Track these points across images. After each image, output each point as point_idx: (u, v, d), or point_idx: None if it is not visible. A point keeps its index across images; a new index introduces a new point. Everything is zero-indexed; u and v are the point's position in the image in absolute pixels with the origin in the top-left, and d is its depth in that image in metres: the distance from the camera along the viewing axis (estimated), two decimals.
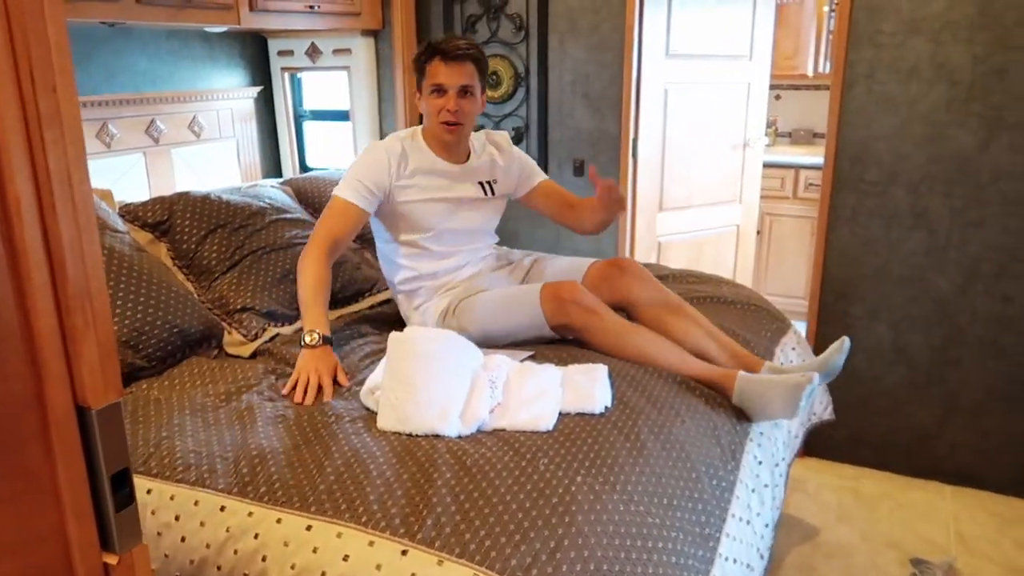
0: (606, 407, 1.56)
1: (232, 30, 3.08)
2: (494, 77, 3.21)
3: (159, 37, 2.90)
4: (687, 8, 3.04)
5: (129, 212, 2.16)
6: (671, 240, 3.29)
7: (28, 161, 0.64)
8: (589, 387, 1.59)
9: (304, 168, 3.54)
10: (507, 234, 3.33)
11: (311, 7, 2.89)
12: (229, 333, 2.01)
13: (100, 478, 0.73)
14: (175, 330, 1.86)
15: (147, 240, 2.13)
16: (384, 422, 1.49)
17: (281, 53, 3.35)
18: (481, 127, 3.28)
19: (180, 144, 3.02)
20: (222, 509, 1.30)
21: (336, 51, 3.28)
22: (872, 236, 2.72)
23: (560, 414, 1.54)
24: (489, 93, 3.24)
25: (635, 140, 3.06)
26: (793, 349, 2.21)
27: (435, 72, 2.01)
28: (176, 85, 3.01)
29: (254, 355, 1.97)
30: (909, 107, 2.57)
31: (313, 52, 3.30)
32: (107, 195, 2.18)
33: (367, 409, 1.59)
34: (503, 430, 1.49)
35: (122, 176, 2.79)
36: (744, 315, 2.21)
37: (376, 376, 1.61)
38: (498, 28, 3.16)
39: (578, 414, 1.54)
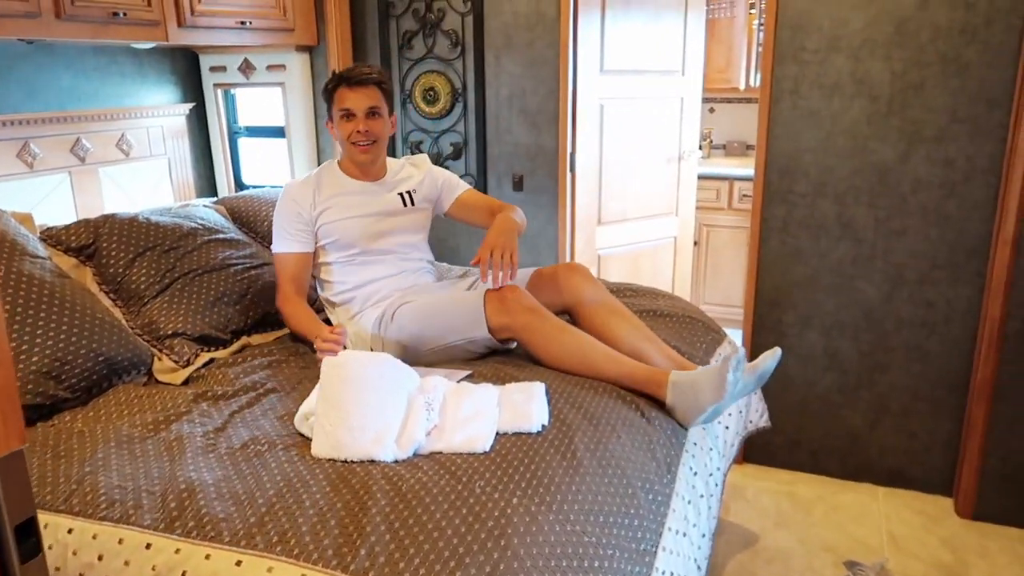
0: (543, 425, 1.57)
1: (161, 46, 3.01)
2: (431, 93, 3.21)
3: (85, 53, 2.82)
4: (620, 25, 3.09)
5: (51, 236, 2.08)
6: (611, 253, 3.33)
7: None
8: (526, 405, 1.60)
9: (240, 186, 3.48)
10: (447, 249, 3.33)
11: (243, 23, 2.84)
12: (159, 359, 1.95)
13: (3, 530, 0.70)
14: (100, 358, 1.80)
15: (71, 265, 2.06)
16: (318, 448, 1.47)
17: (213, 69, 3.29)
18: (420, 143, 3.28)
19: (108, 163, 2.93)
20: (148, 547, 1.26)
21: (270, 67, 3.24)
22: (802, 246, 2.80)
23: (497, 434, 1.54)
24: (427, 109, 3.24)
25: (572, 155, 3.09)
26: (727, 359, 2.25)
27: (342, 98, 2.14)
28: (103, 102, 2.92)
29: (187, 382, 1.92)
30: (833, 121, 2.65)
31: (247, 68, 3.25)
32: (27, 219, 2.10)
33: (301, 435, 1.56)
34: (440, 453, 1.49)
35: (45, 197, 2.69)
36: (680, 327, 2.25)
37: (311, 401, 1.58)
38: (434, 44, 3.16)
39: (515, 433, 1.54)
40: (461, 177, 3.23)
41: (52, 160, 2.71)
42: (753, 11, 4.68)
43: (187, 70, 3.28)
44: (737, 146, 4.72)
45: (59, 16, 2.23)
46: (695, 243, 4.20)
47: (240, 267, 2.25)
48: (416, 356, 1.99)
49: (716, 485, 1.93)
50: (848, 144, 2.65)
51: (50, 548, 1.30)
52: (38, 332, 1.71)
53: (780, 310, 2.89)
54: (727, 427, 2.15)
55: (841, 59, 2.59)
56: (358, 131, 2.14)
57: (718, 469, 1.97)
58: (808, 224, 2.77)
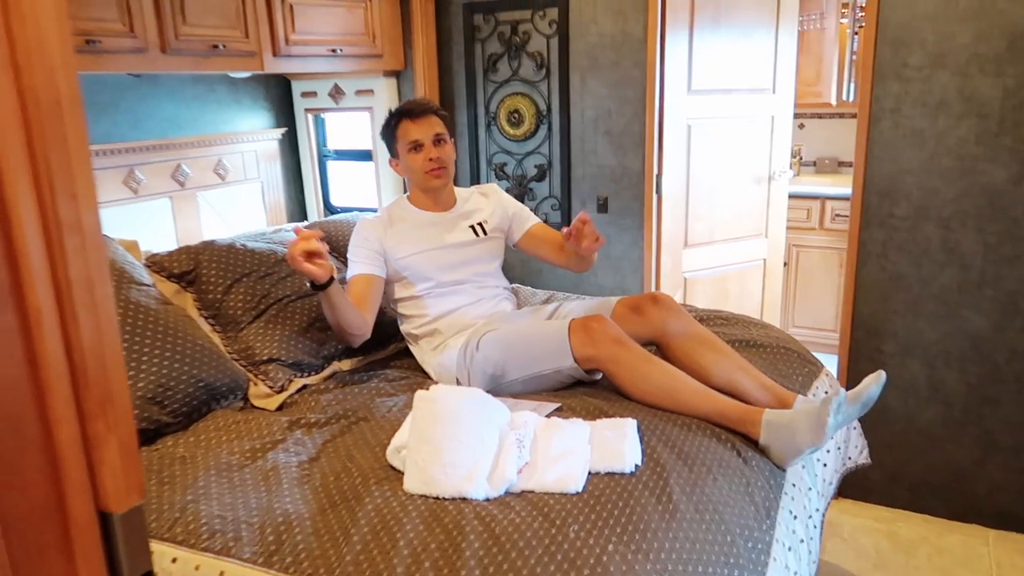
0: (636, 465, 1.52)
1: (256, 74, 3.11)
2: (516, 115, 3.21)
3: (185, 83, 2.94)
4: (708, 43, 3.03)
5: (155, 263, 2.17)
6: (697, 276, 3.25)
7: (49, 271, 0.63)
8: (618, 444, 1.56)
9: (328, 208, 3.55)
10: (530, 272, 3.32)
11: (334, 50, 2.91)
12: (255, 384, 2.00)
13: None
14: (200, 384, 1.85)
15: (173, 291, 2.13)
16: (410, 484, 1.46)
17: (305, 94, 3.38)
18: (504, 165, 3.28)
19: (206, 187, 3.04)
20: None
21: (359, 92, 3.31)
22: (902, 271, 2.67)
23: (589, 473, 1.51)
24: (511, 131, 3.24)
25: (659, 176, 3.03)
26: (825, 393, 2.16)
27: (407, 132, 2.21)
28: (201, 129, 3.04)
29: (280, 407, 1.96)
30: (937, 141, 2.52)
31: (336, 93, 3.33)
32: (133, 246, 2.19)
33: (393, 468, 1.56)
34: (531, 492, 1.46)
35: (149, 221, 2.81)
36: (774, 358, 2.16)
37: (403, 434, 1.58)
38: (519, 67, 3.16)
39: (607, 473, 1.50)
40: (545, 199, 3.24)
41: (155, 186, 2.82)
42: (845, 20, 4.52)
43: (280, 96, 3.38)
44: (828, 163, 4.55)
45: (164, 50, 2.33)
46: (784, 264, 4.06)
47: None
48: (502, 385, 1.97)
49: (815, 527, 1.84)
50: (954, 165, 2.51)
51: None
52: (143, 359, 1.78)
53: (879, 338, 2.75)
54: (825, 464, 2.05)
55: (947, 76, 2.46)
56: (429, 159, 2.20)
57: (817, 510, 1.88)
58: (909, 249, 2.64)
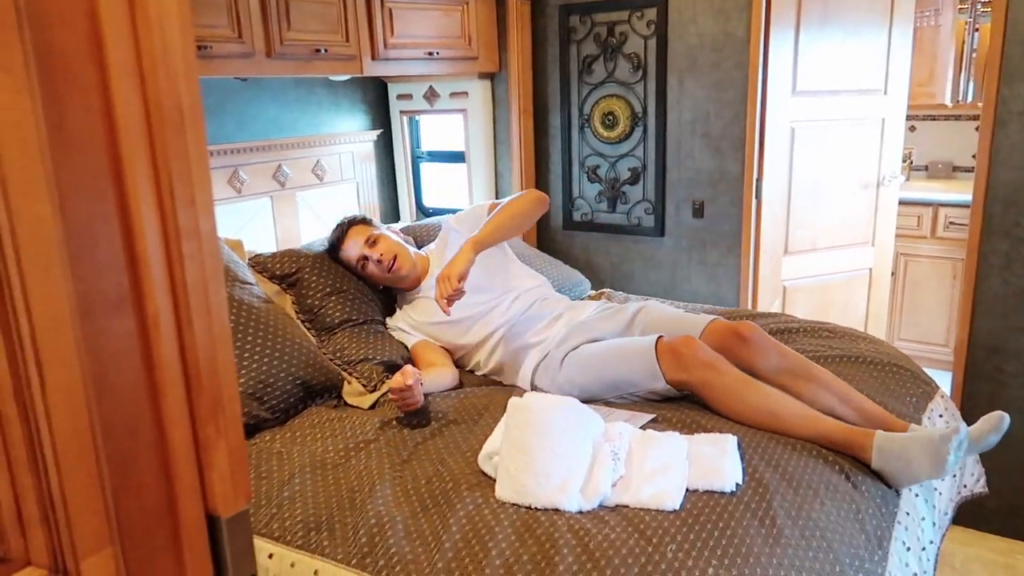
0: (737, 484, 1.46)
1: (355, 77, 3.17)
2: (610, 117, 3.16)
3: (287, 86, 3.02)
4: (815, 43, 2.89)
5: (258, 263, 2.23)
6: (797, 284, 3.11)
7: (167, 275, 0.63)
8: (717, 460, 1.50)
9: (420, 208, 3.59)
10: (621, 276, 3.26)
11: (430, 53, 2.93)
12: (349, 383, 2.02)
13: None
14: (298, 381, 1.89)
15: (274, 291, 2.19)
16: (502, 492, 1.44)
17: (400, 97, 3.43)
18: (596, 168, 3.23)
19: (304, 187, 3.12)
20: None
21: (453, 94, 3.32)
22: None
23: (687, 490, 1.45)
24: (605, 133, 3.19)
25: (759, 181, 2.92)
26: (940, 416, 2.02)
27: (347, 255, 2.30)
28: (302, 131, 3.12)
29: (373, 406, 1.98)
30: None
31: (431, 95, 3.36)
32: (237, 245, 2.26)
33: (485, 474, 1.55)
34: (626, 507, 1.42)
35: (251, 220, 2.90)
36: (884, 377, 2.04)
37: (494, 440, 1.57)
38: (615, 68, 3.11)
39: (706, 491, 1.44)
40: (638, 203, 3.16)
41: (257, 185, 2.91)
42: (963, 16, 4.25)
43: (376, 98, 3.43)
44: (942, 167, 4.30)
45: (269, 55, 2.40)
46: (892, 274, 3.85)
47: None
48: (592, 399, 1.93)
49: (929, 560, 1.72)
50: None
51: (252, 574, 1.36)
52: (245, 356, 1.83)
53: (999, 357, 2.57)
54: (940, 493, 1.92)
55: None
56: (378, 261, 2.25)
57: (931, 543, 1.75)
58: None
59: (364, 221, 2.39)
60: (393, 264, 2.26)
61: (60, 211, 0.55)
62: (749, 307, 3.01)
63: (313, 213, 3.17)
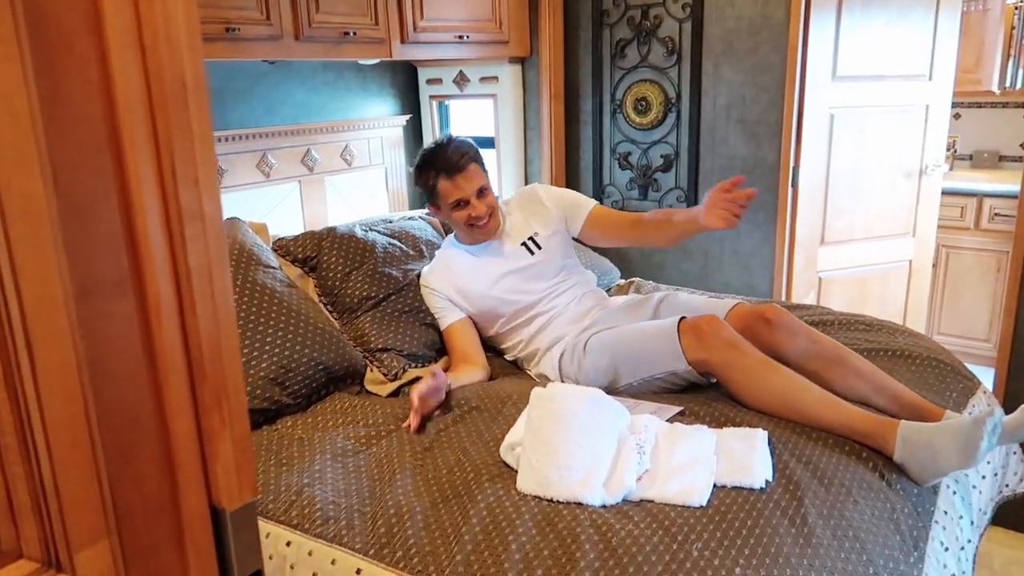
0: (767, 481, 1.41)
1: (384, 61, 3.14)
2: (643, 103, 3.09)
3: (316, 70, 3.00)
4: (858, 26, 2.79)
5: (282, 247, 2.22)
6: (833, 276, 3.03)
7: (169, 258, 0.60)
8: (747, 456, 1.45)
9: None
10: (652, 266, 3.20)
11: (460, 37, 2.89)
12: (371, 370, 2.01)
13: None
14: (320, 367, 1.87)
15: (297, 275, 2.18)
16: (524, 484, 1.41)
17: (430, 81, 3.39)
18: (628, 155, 3.17)
19: (333, 172, 3.10)
20: (358, 572, 1.27)
21: (483, 79, 3.28)
22: None
23: (714, 486, 1.40)
24: (637, 119, 3.12)
25: (795, 168, 2.84)
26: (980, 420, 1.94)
27: (448, 191, 2.09)
28: (330, 115, 3.10)
29: (395, 393, 1.96)
30: None
31: (461, 80, 3.32)
32: (262, 229, 2.25)
33: (507, 465, 1.52)
34: (651, 502, 1.38)
35: (278, 204, 2.90)
36: (923, 372, 1.97)
37: (517, 431, 1.53)
38: (649, 52, 3.04)
39: (734, 488, 1.40)
40: (670, 190, 3.10)
41: (285, 170, 2.90)
42: (1012, 1, 4.09)
43: (406, 83, 3.40)
44: (987, 157, 4.15)
45: (298, 38, 2.38)
46: (933, 266, 3.74)
47: None
48: (617, 390, 1.88)
49: (968, 561, 1.65)
50: None
51: (270, 559, 1.35)
52: (267, 340, 1.81)
53: None
54: (980, 491, 1.85)
55: None
56: (474, 215, 2.10)
57: (969, 541, 1.68)
58: None
59: (480, 160, 2.18)
60: (486, 224, 2.13)
61: (54, 188, 0.53)
62: (783, 299, 2.93)
63: (341, 198, 3.15)
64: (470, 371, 2.02)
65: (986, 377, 2.56)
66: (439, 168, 2.07)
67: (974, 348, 3.67)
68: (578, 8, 3.17)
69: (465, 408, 1.79)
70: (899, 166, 3.05)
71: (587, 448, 1.41)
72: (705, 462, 1.44)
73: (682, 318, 1.84)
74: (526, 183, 3.35)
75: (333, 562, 1.30)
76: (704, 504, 1.35)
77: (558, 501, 1.37)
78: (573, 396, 1.48)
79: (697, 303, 2.08)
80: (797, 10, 2.68)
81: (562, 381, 1.99)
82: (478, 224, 2.11)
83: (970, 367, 2.16)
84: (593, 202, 2.30)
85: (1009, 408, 2.52)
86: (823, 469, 1.48)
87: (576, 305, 2.17)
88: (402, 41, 2.72)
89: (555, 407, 1.45)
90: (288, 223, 2.87)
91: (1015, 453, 2.00)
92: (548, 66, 3.17)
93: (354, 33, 2.53)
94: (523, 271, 2.17)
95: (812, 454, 1.53)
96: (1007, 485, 2.01)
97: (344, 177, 3.16)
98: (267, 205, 2.85)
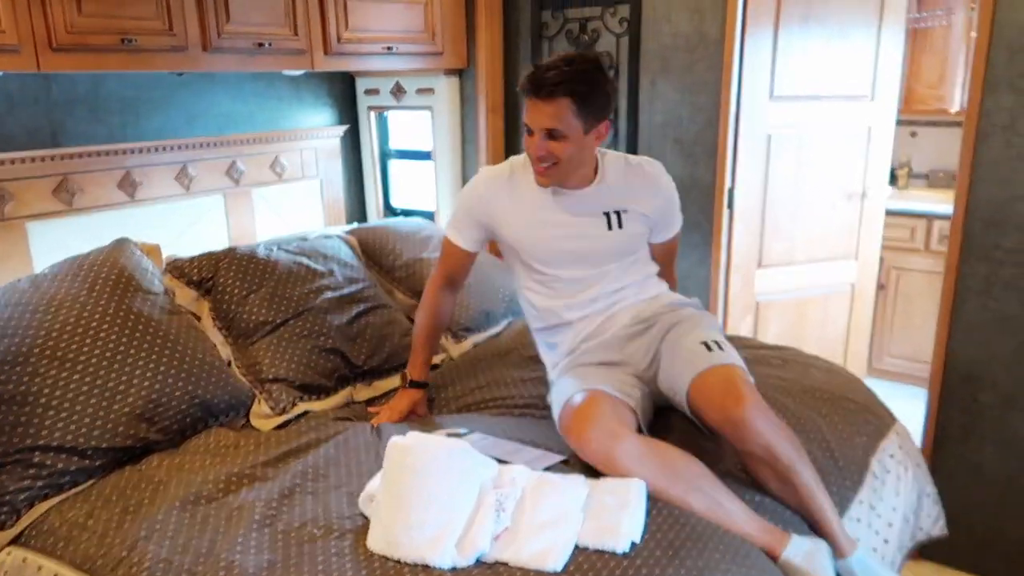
0: (633, 544, 1.32)
1: (320, 71, 3.05)
2: None
3: (243, 79, 2.90)
4: (795, 44, 2.72)
5: (176, 268, 2.12)
6: (771, 300, 2.95)
7: None
8: (615, 515, 1.36)
9: (388, 208, 3.47)
10: None
11: (389, 48, 2.80)
12: (258, 403, 1.91)
13: None
14: (196, 401, 1.78)
15: (192, 298, 2.08)
16: (372, 542, 1.33)
17: (368, 92, 3.30)
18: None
19: (261, 184, 3.00)
20: None
21: (419, 90, 3.19)
22: (1009, 312, 2.30)
23: (576, 548, 1.32)
24: None
25: (731, 190, 2.76)
26: (892, 456, 1.87)
27: (526, 108, 1.72)
28: (260, 126, 3.00)
29: (281, 426, 1.87)
30: None
31: (397, 91, 3.23)
32: (154, 250, 2.15)
33: (365, 517, 1.43)
34: (505, 564, 1.29)
35: (200, 218, 2.80)
36: (834, 412, 1.88)
37: (375, 481, 1.45)
38: None
39: (596, 551, 1.31)
40: None
41: (208, 182, 2.80)
42: (975, 14, 4.02)
43: (343, 92, 3.31)
44: (943, 176, 4.08)
45: (206, 49, 2.28)
46: (881, 287, 3.67)
47: (357, 311, 2.17)
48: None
49: None
50: None
51: None
52: (136, 372, 1.72)
53: (976, 387, 2.40)
54: (886, 540, 1.77)
55: None
56: (531, 151, 1.74)
57: None
58: (1018, 287, 2.27)
59: (585, 100, 1.67)
60: (542, 168, 1.75)
61: None
62: (720, 321, 2.86)
63: (272, 211, 3.06)
64: (436, 332, 2.01)
65: (925, 406, 2.50)
66: (528, 80, 1.69)
67: (923, 371, 3.59)
68: (517, 20, 3.08)
69: (342, 451, 1.69)
70: (840, 187, 2.98)
71: (441, 503, 1.33)
72: (569, 520, 1.35)
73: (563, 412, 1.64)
74: None
75: None
76: (558, 570, 1.26)
77: (404, 562, 1.28)
78: (430, 447, 1.38)
79: (683, 353, 1.72)
80: (732, 27, 2.60)
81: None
82: (536, 165, 1.76)
83: (917, 390, 2.07)
84: (678, 227, 2.02)
85: (939, 442, 2.46)
86: (700, 532, 1.39)
87: (600, 315, 1.86)
88: (326, 52, 2.63)
89: (409, 460, 1.36)
90: (212, 237, 2.77)
91: (927, 495, 1.93)
92: (485, 78, 3.09)
93: (270, 44, 2.44)
94: (587, 239, 1.83)
95: (690, 516, 1.44)
96: (920, 529, 1.94)
97: (274, 189, 3.05)
98: (188, 219, 2.75)
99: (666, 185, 1.96)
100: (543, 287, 1.89)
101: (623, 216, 1.85)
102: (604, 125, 1.75)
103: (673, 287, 2.05)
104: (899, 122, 3.87)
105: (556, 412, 1.70)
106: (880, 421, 1.93)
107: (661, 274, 2.01)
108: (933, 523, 1.98)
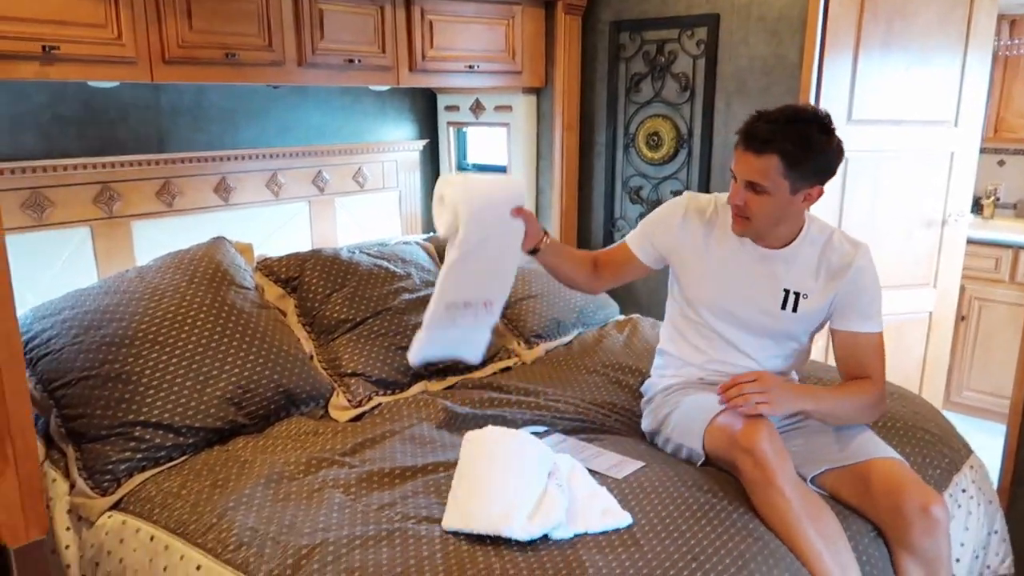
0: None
1: (403, 87, 3.18)
2: (655, 138, 3.06)
3: (332, 93, 3.06)
4: (876, 68, 2.71)
5: (266, 267, 2.25)
6: None
7: None
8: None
9: None
10: (657, 302, 3.13)
11: (471, 67, 2.91)
12: (337, 395, 2.01)
13: None
14: (281, 390, 1.89)
15: (278, 295, 2.20)
16: (449, 520, 1.40)
17: (448, 108, 3.42)
18: (639, 189, 3.13)
19: (344, 194, 3.14)
20: None
21: (498, 107, 3.29)
22: None
23: None
24: (649, 154, 3.09)
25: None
26: (964, 491, 1.83)
27: (734, 156, 1.67)
28: (346, 138, 3.14)
29: (357, 418, 1.96)
30: None
31: (477, 108, 3.34)
32: (246, 249, 2.29)
33: (441, 505, 1.49)
34: (583, 535, 1.38)
35: (286, 223, 2.95)
36: (908, 442, 1.85)
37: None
38: (662, 87, 3.01)
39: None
40: None
41: (295, 190, 2.96)
42: None
43: (425, 108, 3.44)
44: None
45: (301, 64, 2.43)
46: (962, 318, 3.57)
47: None
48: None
49: None
50: None
51: None
52: (228, 359, 1.84)
53: None
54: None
55: None
56: (731, 196, 1.68)
57: None
58: None
59: (795, 160, 1.58)
60: (737, 215, 1.68)
61: None
62: None
63: (352, 219, 3.19)
64: (581, 256, 1.89)
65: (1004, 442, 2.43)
66: (743, 128, 1.65)
67: (1003, 406, 3.47)
68: (595, 41, 3.16)
69: (433, 446, 1.77)
70: (919, 214, 2.93)
71: (508, 482, 1.41)
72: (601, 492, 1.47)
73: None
74: (536, 214, 3.33)
75: None
76: (631, 522, 1.39)
77: (482, 537, 1.34)
78: (498, 436, 1.47)
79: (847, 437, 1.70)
80: (811, 50, 2.62)
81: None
82: (736, 216, 1.69)
83: (996, 426, 2.01)
84: (879, 328, 1.75)
85: (1020, 475, 2.38)
86: (773, 549, 1.41)
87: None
88: (411, 69, 2.75)
89: (481, 446, 1.45)
90: (296, 242, 2.92)
91: (995, 532, 1.88)
92: (562, 97, 3.17)
93: (359, 61, 2.58)
94: (753, 306, 1.75)
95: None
96: (988, 567, 1.89)
97: (355, 199, 3.19)
98: (275, 224, 2.91)
99: (862, 270, 1.71)
100: (693, 329, 1.84)
101: (800, 301, 1.73)
102: (816, 190, 1.65)
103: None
104: (986, 150, 3.80)
105: (680, 416, 1.71)
106: (955, 454, 1.89)
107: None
108: (1000, 561, 1.93)
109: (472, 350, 1.89)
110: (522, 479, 1.42)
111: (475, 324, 1.78)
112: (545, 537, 1.36)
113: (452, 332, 1.76)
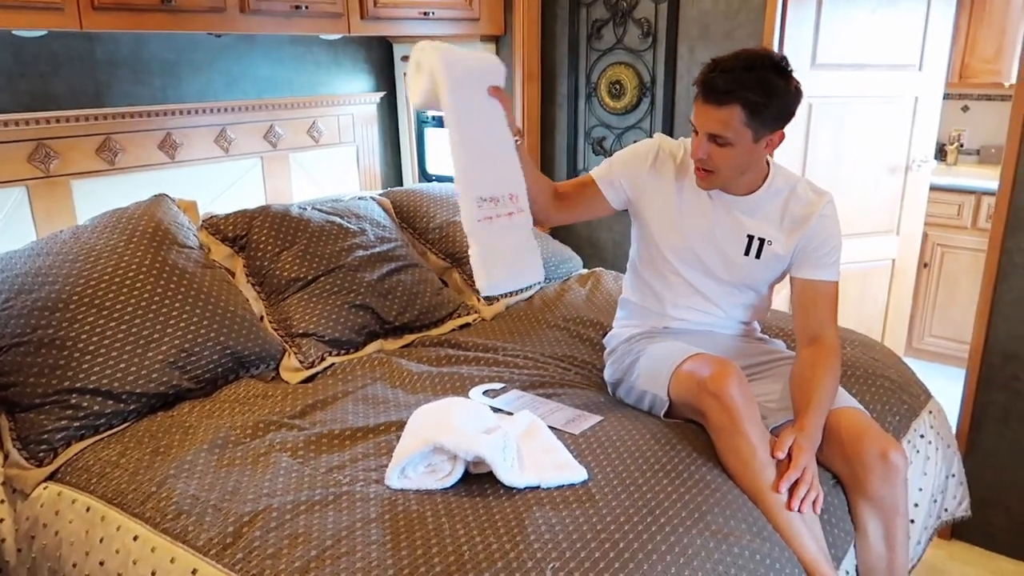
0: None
1: (358, 36, 3.06)
2: (617, 86, 2.98)
3: (282, 43, 2.93)
4: (840, 12, 2.64)
5: (212, 225, 2.16)
6: None
7: None
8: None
9: (424, 175, 3.48)
10: (622, 255, 3.09)
11: (426, 13, 2.79)
12: (288, 356, 1.95)
13: None
14: (227, 352, 1.82)
15: (226, 254, 2.12)
16: (390, 476, 1.39)
17: (405, 58, 3.28)
18: (602, 140, 3.05)
19: (298, 149, 3.04)
20: (193, 573, 1.22)
21: None
22: None
23: None
24: (611, 103, 3.01)
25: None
26: (922, 437, 1.83)
27: (694, 109, 1.60)
28: (297, 91, 3.03)
29: (309, 380, 1.90)
30: None
31: None
32: (190, 207, 2.20)
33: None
34: (536, 488, 1.36)
35: (238, 180, 2.84)
36: (868, 388, 1.85)
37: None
38: (624, 34, 2.92)
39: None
40: None
41: (246, 145, 2.84)
42: None
43: (381, 59, 3.32)
44: (995, 153, 3.95)
45: (243, 11, 2.30)
46: (925, 265, 3.58)
47: (388, 269, 2.19)
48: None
49: None
50: None
51: (117, 552, 1.31)
52: (170, 321, 1.77)
53: (1017, 364, 2.33)
54: (912, 520, 1.73)
55: None
56: (692, 150, 1.63)
57: None
58: None
59: (757, 110, 1.53)
60: (704, 176, 1.64)
61: None
62: None
63: (308, 176, 3.09)
64: (545, 180, 1.78)
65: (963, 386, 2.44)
66: (700, 80, 1.57)
67: (965, 352, 3.50)
68: None
69: (376, 398, 1.73)
70: (883, 160, 2.90)
71: (454, 427, 1.40)
72: (559, 448, 1.47)
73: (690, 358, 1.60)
74: None
75: (172, 560, 1.25)
76: (586, 478, 1.38)
77: (430, 496, 1.33)
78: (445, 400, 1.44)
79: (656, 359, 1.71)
80: None
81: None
82: (699, 169, 1.65)
83: (957, 371, 2.01)
84: (835, 276, 1.77)
85: (978, 422, 2.40)
86: (730, 500, 1.39)
87: (698, 327, 1.81)
88: (362, 16, 2.63)
89: (427, 405, 1.42)
90: (249, 200, 2.81)
91: (953, 476, 1.89)
92: (522, 45, 3.07)
93: (307, 7, 2.45)
94: (718, 252, 1.73)
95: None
96: (946, 510, 1.90)
97: (310, 154, 3.09)
98: (226, 181, 2.80)
99: (825, 224, 1.71)
100: (657, 273, 1.81)
101: (765, 247, 1.71)
102: (778, 135, 1.61)
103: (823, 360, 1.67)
104: (950, 95, 3.77)
105: (646, 363, 1.69)
106: (914, 400, 1.89)
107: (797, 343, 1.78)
108: (958, 504, 1.94)
109: (532, 266, 1.65)
110: (466, 423, 1.42)
111: (512, 226, 1.58)
112: (496, 491, 1.35)
113: (500, 243, 1.57)
